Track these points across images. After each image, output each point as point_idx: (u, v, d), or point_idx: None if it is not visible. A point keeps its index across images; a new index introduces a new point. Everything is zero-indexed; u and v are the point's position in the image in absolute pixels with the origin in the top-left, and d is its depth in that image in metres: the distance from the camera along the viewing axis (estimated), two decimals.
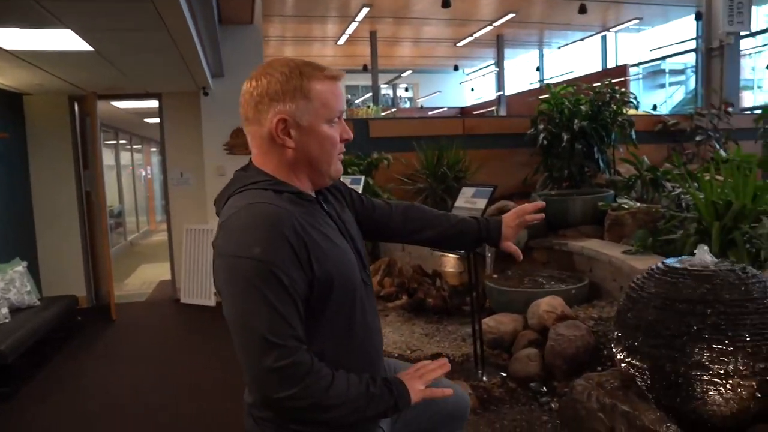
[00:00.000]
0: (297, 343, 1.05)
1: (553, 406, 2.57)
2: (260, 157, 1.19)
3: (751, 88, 12.93)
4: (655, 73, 15.36)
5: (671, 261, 2.29)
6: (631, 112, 5.30)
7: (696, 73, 13.32)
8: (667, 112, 8.59)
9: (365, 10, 10.94)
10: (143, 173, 12.51)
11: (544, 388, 2.76)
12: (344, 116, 1.23)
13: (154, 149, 13.69)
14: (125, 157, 10.74)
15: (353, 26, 12.32)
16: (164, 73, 4.76)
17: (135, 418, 3.23)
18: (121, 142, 10.21)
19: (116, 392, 3.59)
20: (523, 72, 18.53)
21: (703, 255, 2.25)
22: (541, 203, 1.59)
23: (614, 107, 5.07)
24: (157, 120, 6.07)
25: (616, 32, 14.67)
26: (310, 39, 14.20)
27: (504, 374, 3.01)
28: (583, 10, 9.58)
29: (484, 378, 2.97)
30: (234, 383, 3.59)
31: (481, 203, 2.94)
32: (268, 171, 1.17)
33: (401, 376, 1.20)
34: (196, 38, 3.55)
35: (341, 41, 13.82)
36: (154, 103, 5.98)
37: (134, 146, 11.38)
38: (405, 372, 1.23)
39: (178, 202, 5.82)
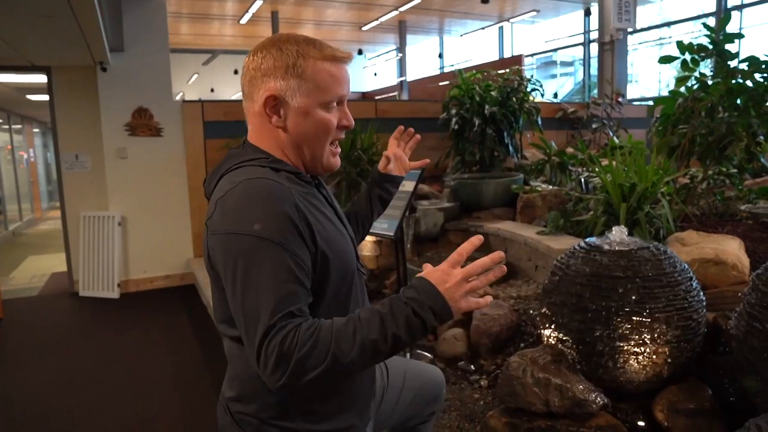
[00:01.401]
0: (300, 319, 0.96)
1: (482, 383, 2.65)
2: (255, 134, 1.14)
3: (630, 81, 14.06)
4: (547, 64, 16.26)
5: (591, 240, 2.43)
6: (537, 99, 5.55)
7: (584, 65, 14.27)
8: (559, 101, 9.16)
9: None
10: (25, 156, 11.40)
11: (472, 366, 2.84)
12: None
13: (37, 130, 12.53)
14: (2, 138, 9.73)
15: (257, 5, 11.91)
16: (55, 44, 4.30)
17: (38, 425, 2.95)
18: None
19: (12, 398, 3.26)
20: (424, 58, 18.89)
21: (619, 234, 2.42)
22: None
23: (522, 94, 5.28)
24: (43, 97, 5.52)
25: (512, 23, 15.31)
26: (208, 17, 13.60)
27: (431, 355, 3.07)
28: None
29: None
30: (146, 380, 3.40)
31: (410, 185, 2.95)
32: (263, 149, 1.12)
33: (433, 279, 0.99)
34: (97, 4, 3.24)
35: (244, 20, 13.33)
36: (40, 78, 5.43)
37: (13, 126, 10.32)
38: (441, 271, 1.01)
39: (73, 188, 5.35)
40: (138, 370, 3.55)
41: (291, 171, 1.11)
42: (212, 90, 19.27)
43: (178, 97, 13.46)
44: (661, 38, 13.16)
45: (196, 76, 19.79)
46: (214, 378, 3.36)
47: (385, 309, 0.96)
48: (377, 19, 14.24)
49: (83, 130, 5.25)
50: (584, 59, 14.05)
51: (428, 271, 1.02)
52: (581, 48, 14.31)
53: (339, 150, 1.19)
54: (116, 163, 5.13)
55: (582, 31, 13.97)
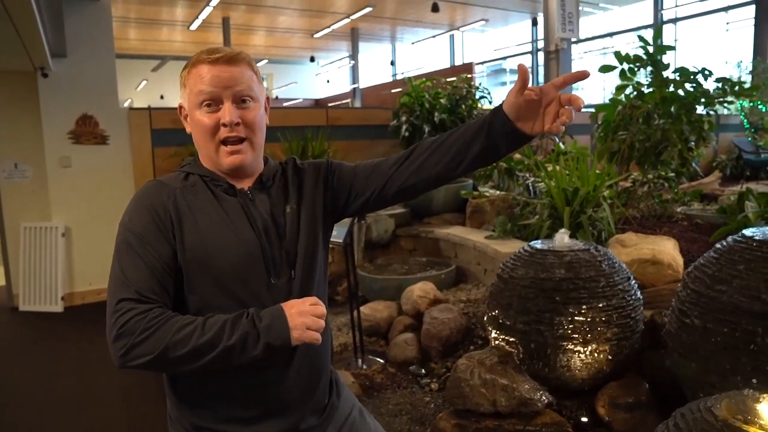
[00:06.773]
0: (151, 305, 1.04)
1: (433, 386, 2.68)
2: None
3: (576, 89, 14.51)
4: (497, 72, 16.62)
5: (536, 243, 2.51)
6: (486, 107, 5.68)
7: (532, 73, 14.65)
8: None
9: None
10: None
11: (423, 370, 2.87)
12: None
13: None
14: None
15: (207, 11, 11.74)
16: None
17: None
18: None
19: None
20: (376, 65, 19.01)
21: (562, 237, 2.51)
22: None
23: (471, 101, 5.39)
24: None
25: (463, 32, 15.61)
26: (157, 22, 13.32)
27: (383, 360, 3.09)
28: (435, 8, 10.07)
29: (364, 366, 3.03)
30: (92, 393, 3.30)
31: None
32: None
33: (286, 305, 1.07)
34: (35, 7, 3.15)
35: (194, 26, 13.11)
36: None
37: None
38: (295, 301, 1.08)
39: (13, 198, 5.14)
40: (83, 383, 3.44)
41: (202, 174, 1.19)
42: (162, 97, 18.85)
43: (125, 104, 13.11)
44: (604, 48, 13.67)
45: (144, 82, 19.33)
46: (161, 388, 3.28)
47: (230, 319, 1.04)
48: (329, 27, 14.26)
49: (23, 137, 5.06)
50: (533, 67, 14.43)
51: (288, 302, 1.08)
52: (530, 56, 14.71)
53: (235, 149, 1.14)
54: (59, 172, 4.96)
55: (530, 39, 14.37)
